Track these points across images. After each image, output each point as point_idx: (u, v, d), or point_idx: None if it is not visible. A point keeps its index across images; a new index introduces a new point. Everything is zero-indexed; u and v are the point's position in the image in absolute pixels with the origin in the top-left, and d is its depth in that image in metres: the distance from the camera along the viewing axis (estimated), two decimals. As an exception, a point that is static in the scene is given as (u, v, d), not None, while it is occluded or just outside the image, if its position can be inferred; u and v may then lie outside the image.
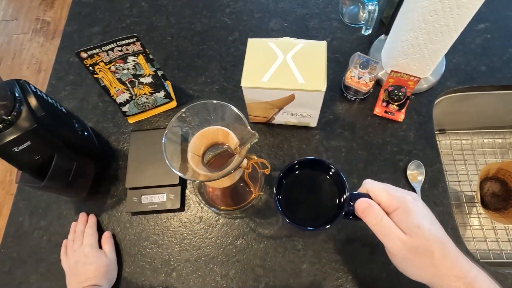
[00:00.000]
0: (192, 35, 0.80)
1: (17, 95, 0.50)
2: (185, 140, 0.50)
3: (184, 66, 0.77)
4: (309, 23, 0.79)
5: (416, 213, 0.35)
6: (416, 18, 0.54)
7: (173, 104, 0.72)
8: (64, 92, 0.76)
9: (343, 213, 0.41)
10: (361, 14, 0.75)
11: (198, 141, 0.50)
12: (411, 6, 0.54)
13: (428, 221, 0.35)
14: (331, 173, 0.45)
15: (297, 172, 0.46)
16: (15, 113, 0.49)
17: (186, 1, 0.84)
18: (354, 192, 0.40)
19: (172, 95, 0.71)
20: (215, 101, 0.45)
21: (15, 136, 0.49)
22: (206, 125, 0.50)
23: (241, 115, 0.46)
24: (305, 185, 0.46)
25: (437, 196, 0.62)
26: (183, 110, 0.46)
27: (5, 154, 0.50)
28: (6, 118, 0.48)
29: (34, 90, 0.54)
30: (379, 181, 0.40)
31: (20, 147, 0.50)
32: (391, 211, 0.36)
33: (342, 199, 0.42)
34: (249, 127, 0.45)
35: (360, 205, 0.38)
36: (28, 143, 0.51)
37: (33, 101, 0.52)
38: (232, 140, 0.49)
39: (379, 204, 0.37)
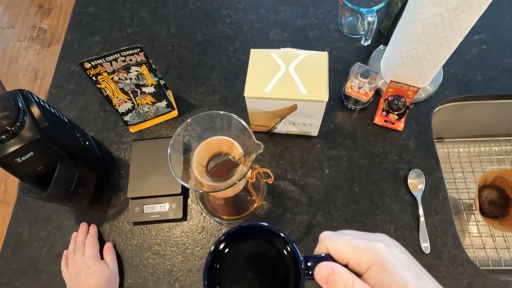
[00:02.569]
0: (193, 45, 0.81)
1: (20, 105, 0.50)
2: (186, 149, 0.50)
3: (185, 76, 0.77)
4: (309, 33, 0.80)
5: (395, 267, 0.27)
6: (415, 30, 0.55)
7: (175, 113, 0.73)
8: (65, 102, 0.76)
9: None
10: (360, 25, 0.77)
11: (202, 151, 0.50)
12: (411, 18, 0.56)
13: (414, 274, 0.27)
14: (271, 239, 0.33)
15: (227, 250, 0.33)
16: (18, 124, 0.49)
17: (187, 11, 0.85)
18: (310, 255, 0.30)
19: (174, 104, 0.71)
20: (221, 112, 0.46)
21: (18, 146, 0.49)
22: (209, 135, 0.50)
23: (246, 126, 0.46)
24: (243, 266, 0.33)
25: (438, 204, 0.62)
26: (189, 120, 0.46)
27: (7, 165, 0.50)
28: (9, 128, 0.48)
29: (37, 100, 0.54)
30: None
31: (23, 158, 0.50)
32: (363, 271, 0.27)
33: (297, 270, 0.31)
34: (254, 138, 0.46)
35: (321, 273, 0.28)
36: (31, 153, 0.51)
37: (36, 112, 0.52)
38: (236, 150, 0.50)
39: (346, 266, 0.28)
